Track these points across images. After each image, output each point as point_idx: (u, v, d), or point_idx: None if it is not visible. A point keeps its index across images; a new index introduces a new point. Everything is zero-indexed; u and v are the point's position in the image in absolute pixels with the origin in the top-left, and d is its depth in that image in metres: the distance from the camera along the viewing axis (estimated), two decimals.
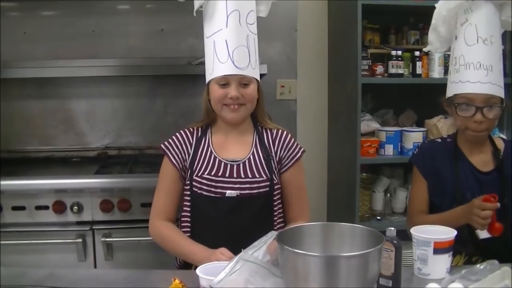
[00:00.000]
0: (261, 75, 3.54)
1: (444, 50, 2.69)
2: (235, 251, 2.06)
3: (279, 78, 3.98)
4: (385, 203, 4.21)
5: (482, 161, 2.56)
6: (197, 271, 1.90)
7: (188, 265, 2.38)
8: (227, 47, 2.33)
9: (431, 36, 2.65)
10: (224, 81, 2.35)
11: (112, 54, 3.80)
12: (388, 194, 4.24)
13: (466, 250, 2.52)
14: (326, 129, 4.49)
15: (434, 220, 2.41)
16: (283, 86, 4.00)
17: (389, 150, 4.03)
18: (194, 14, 2.42)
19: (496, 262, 2.01)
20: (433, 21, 2.62)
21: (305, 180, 2.58)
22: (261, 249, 1.95)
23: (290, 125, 3.95)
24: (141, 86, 3.98)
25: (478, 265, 2.03)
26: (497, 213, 2.37)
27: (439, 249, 2.09)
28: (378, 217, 4.13)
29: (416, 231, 2.16)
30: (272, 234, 1.97)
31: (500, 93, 2.46)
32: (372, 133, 4.10)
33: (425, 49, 2.80)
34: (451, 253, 2.13)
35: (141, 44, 3.90)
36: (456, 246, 2.44)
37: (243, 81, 2.36)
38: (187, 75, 3.74)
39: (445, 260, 2.11)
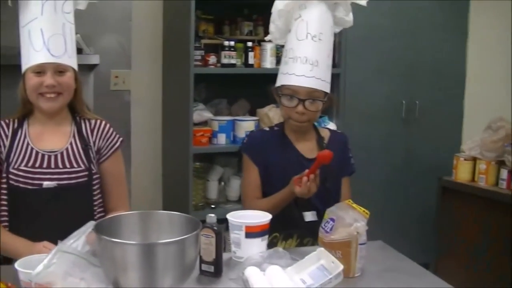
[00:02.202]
0: (94, 66, 3.51)
1: (284, 41, 2.75)
2: (56, 243, 2.03)
3: (113, 68, 3.91)
4: (219, 192, 4.26)
5: (308, 148, 2.65)
6: (16, 265, 1.85)
7: (9, 261, 2.30)
8: (42, 35, 2.29)
9: (271, 26, 2.71)
10: (40, 69, 2.30)
11: None
12: (222, 183, 4.30)
13: (298, 233, 2.61)
14: (161, 119, 4.48)
15: (267, 204, 2.49)
16: (117, 77, 3.94)
17: (221, 139, 4.09)
18: (9, 3, 2.36)
19: (280, 249, 2.14)
20: (272, 14, 2.69)
21: (124, 169, 2.58)
22: (80, 239, 1.94)
23: (125, 116, 3.93)
24: None
25: (271, 250, 2.14)
26: (319, 199, 2.51)
27: (250, 233, 2.15)
28: (213, 206, 4.18)
29: (231, 216, 2.22)
30: (91, 224, 1.96)
31: (324, 87, 2.56)
32: (205, 123, 4.14)
33: (265, 38, 2.85)
34: (265, 237, 2.19)
35: None
36: (289, 230, 2.56)
37: (59, 69, 2.32)
38: (9, 65, 3.59)
39: (258, 243, 2.16)
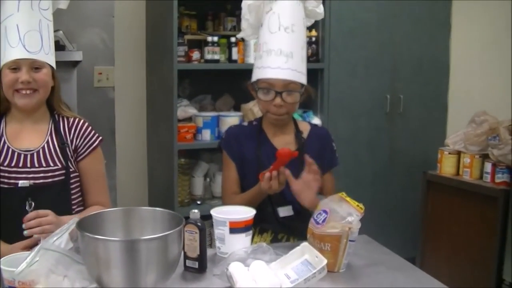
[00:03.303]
0: (77, 62, 3.48)
1: (256, 37, 2.75)
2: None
3: (96, 65, 3.89)
4: (204, 188, 4.27)
5: (284, 143, 2.63)
6: None
7: None
8: (18, 32, 2.27)
9: (243, 23, 2.71)
10: (15, 65, 2.29)
11: None
12: (208, 179, 4.30)
13: (272, 228, 2.61)
14: (145, 115, 4.48)
15: (242, 200, 2.50)
16: (101, 73, 3.93)
17: (206, 135, 4.10)
18: None
19: (264, 244, 2.12)
20: (242, 10, 2.69)
21: (104, 167, 2.57)
22: (63, 236, 1.91)
23: (109, 113, 3.92)
24: None
25: (255, 245, 2.13)
26: (290, 195, 2.49)
27: (234, 228, 2.15)
28: (198, 202, 4.18)
29: (215, 212, 2.22)
30: (74, 221, 1.94)
31: (300, 78, 2.55)
32: (189, 119, 4.14)
33: (238, 36, 2.86)
34: (249, 232, 2.20)
35: None
36: (263, 225, 2.56)
37: (34, 65, 2.30)
38: None
39: (242, 239, 2.17)
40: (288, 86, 2.52)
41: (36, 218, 2.14)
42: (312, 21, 2.74)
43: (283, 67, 2.50)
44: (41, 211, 2.16)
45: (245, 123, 2.84)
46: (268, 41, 2.54)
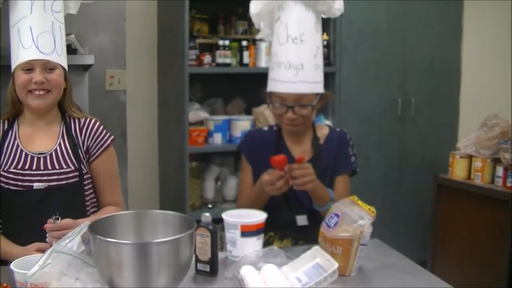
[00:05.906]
0: (88, 66, 3.49)
1: None
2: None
3: (107, 68, 3.91)
4: (216, 191, 4.28)
5: (302, 150, 2.59)
6: (11, 265, 1.85)
7: (5, 261, 2.29)
8: (32, 33, 2.28)
9: (260, 24, 2.65)
10: (29, 66, 2.29)
11: None
12: (219, 182, 4.31)
13: (292, 235, 2.59)
14: (156, 119, 4.50)
15: (249, 198, 2.52)
16: (112, 77, 3.95)
17: (217, 138, 4.11)
18: (0, 4, 2.36)
19: (275, 248, 2.13)
20: (252, 18, 2.64)
21: (117, 167, 2.56)
22: (75, 239, 1.92)
23: (120, 116, 3.93)
24: None
25: (267, 249, 2.13)
26: (311, 200, 2.47)
27: (246, 232, 2.15)
28: (210, 205, 4.19)
29: (226, 215, 2.22)
30: (86, 224, 1.95)
31: (313, 89, 2.46)
32: (201, 122, 4.14)
33: (257, 37, 2.77)
34: (260, 236, 2.19)
35: None
36: (283, 231, 2.55)
37: (47, 66, 2.31)
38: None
39: (254, 242, 2.17)
40: (300, 99, 2.44)
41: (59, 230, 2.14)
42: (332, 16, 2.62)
43: (293, 80, 2.41)
44: (63, 224, 2.14)
45: (266, 128, 2.75)
46: (278, 53, 2.46)
